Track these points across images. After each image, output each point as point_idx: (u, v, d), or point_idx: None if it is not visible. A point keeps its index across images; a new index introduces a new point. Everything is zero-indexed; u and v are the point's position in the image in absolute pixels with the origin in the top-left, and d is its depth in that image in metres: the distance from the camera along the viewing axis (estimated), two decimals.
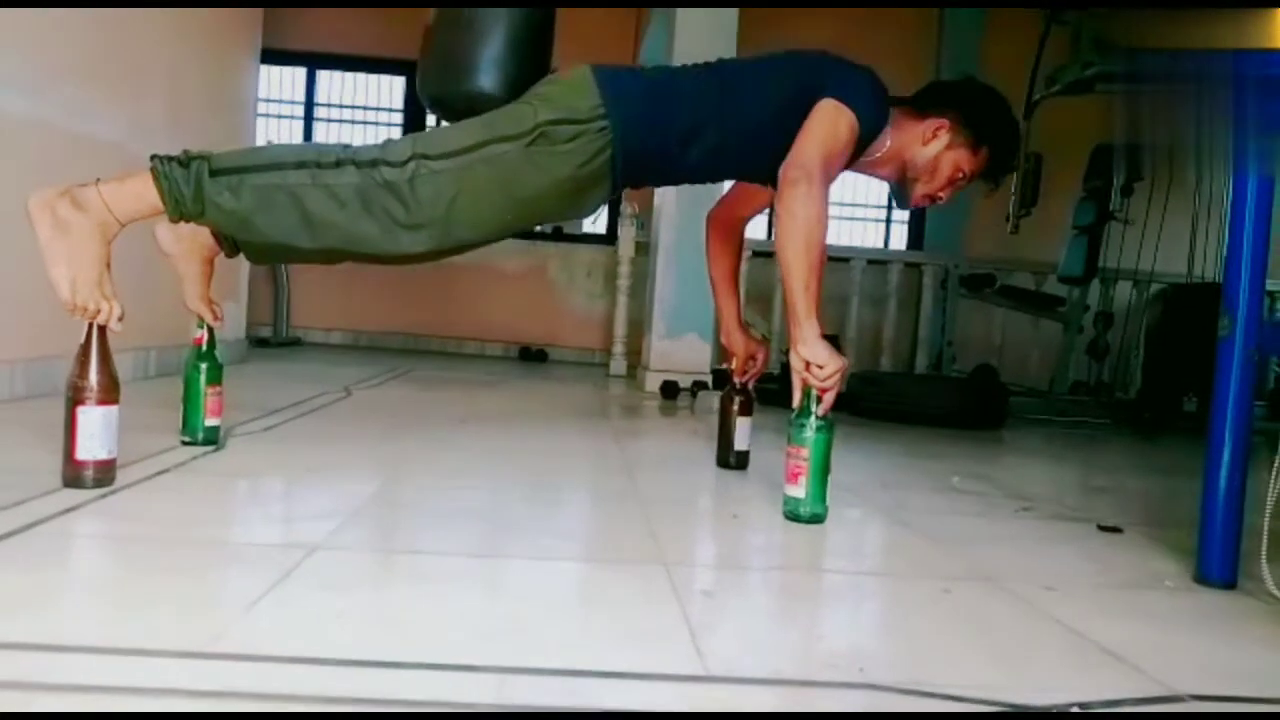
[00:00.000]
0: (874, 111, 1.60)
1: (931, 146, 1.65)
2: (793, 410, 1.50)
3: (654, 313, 3.98)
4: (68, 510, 1.24)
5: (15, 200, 1.99)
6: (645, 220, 4.65)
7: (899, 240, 6.09)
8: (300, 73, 6.02)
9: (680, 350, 3.88)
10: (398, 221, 1.46)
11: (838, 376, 1.47)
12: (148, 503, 1.34)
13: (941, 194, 1.70)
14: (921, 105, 1.68)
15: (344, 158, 1.45)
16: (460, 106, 2.29)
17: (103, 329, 1.39)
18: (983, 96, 1.69)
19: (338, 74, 6.04)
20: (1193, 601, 1.19)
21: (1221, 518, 1.25)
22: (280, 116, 6.01)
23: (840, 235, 5.93)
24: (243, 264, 3.91)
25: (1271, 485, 1.18)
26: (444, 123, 1.78)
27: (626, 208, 4.77)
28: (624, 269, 4.73)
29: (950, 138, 1.65)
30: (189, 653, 0.79)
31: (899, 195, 1.74)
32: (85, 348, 1.38)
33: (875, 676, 0.84)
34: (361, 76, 6.05)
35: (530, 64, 2.25)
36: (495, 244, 1.69)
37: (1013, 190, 4.27)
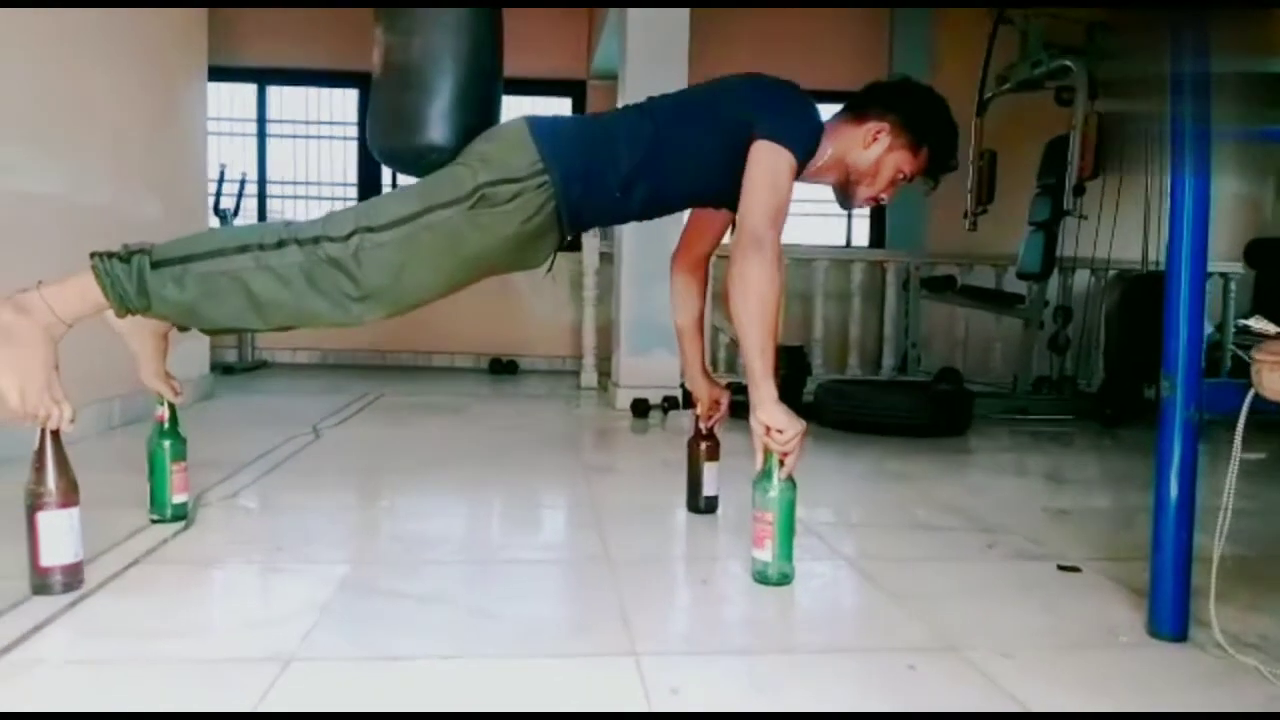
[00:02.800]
0: (808, 141, 1.62)
1: (872, 150, 1.67)
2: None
3: (621, 330, 3.99)
4: (37, 628, 1.24)
5: None
6: (608, 230, 4.65)
7: (861, 235, 6.14)
8: (250, 89, 5.92)
9: (649, 366, 3.91)
10: (347, 295, 1.46)
11: (797, 440, 1.50)
12: (118, 610, 1.33)
13: (884, 195, 1.72)
14: (859, 109, 1.69)
15: (286, 237, 1.44)
16: (411, 159, 2.28)
17: (56, 432, 1.39)
18: (920, 98, 1.70)
19: (289, 89, 5.95)
20: (1143, 661, 1.23)
21: (1171, 575, 1.29)
22: (232, 134, 5.92)
23: (803, 233, 5.96)
24: None
25: (1220, 523, 1.23)
26: (398, 175, 1.76)
27: None
28: (589, 279, 4.73)
29: (891, 140, 1.66)
30: None
31: (842, 198, 1.75)
32: (40, 453, 1.38)
33: None
34: (313, 91, 5.97)
35: (479, 113, 2.24)
36: None
37: (968, 189, 4.33)
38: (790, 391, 3.63)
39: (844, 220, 6.11)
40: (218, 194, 5.20)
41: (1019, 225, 4.41)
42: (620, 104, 4.18)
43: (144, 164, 3.25)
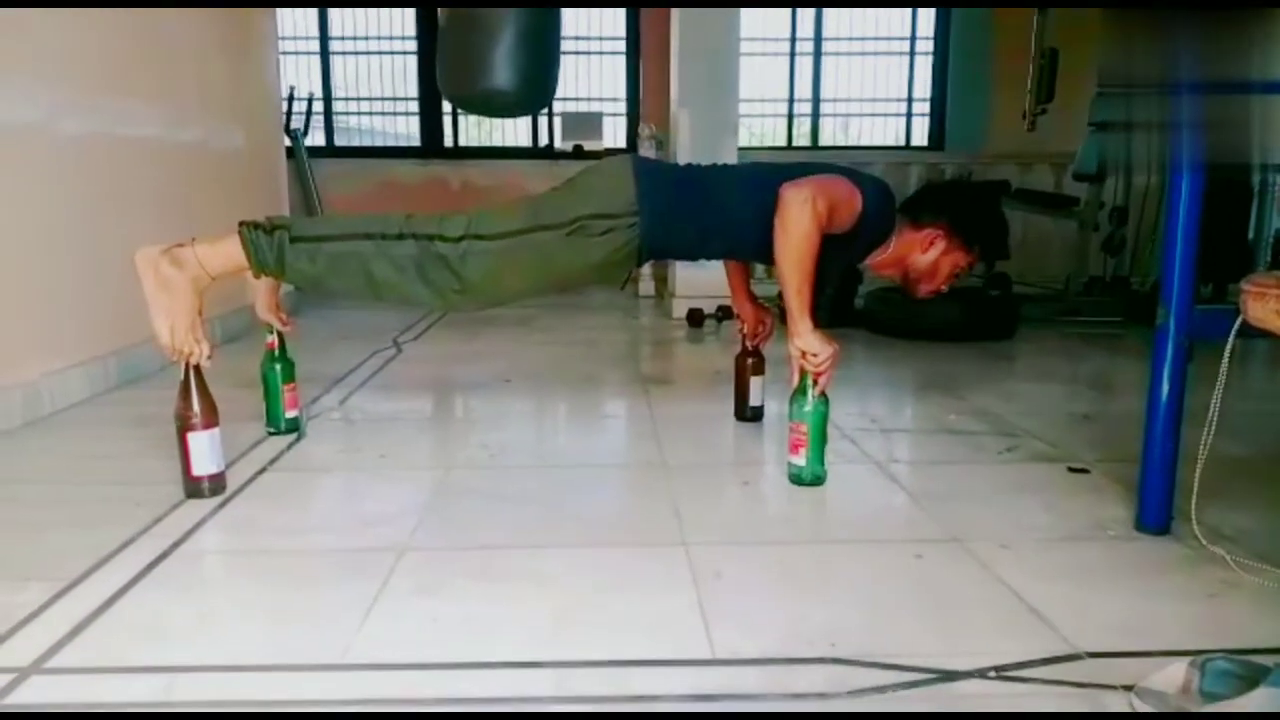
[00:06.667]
0: (878, 201, 1.80)
1: (930, 254, 1.87)
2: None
3: None
4: (197, 526, 1.53)
5: (101, 204, 2.33)
6: (664, 139, 4.75)
7: (920, 134, 6.08)
8: (311, 10, 6.05)
9: (704, 277, 4.05)
10: (449, 288, 1.71)
11: (830, 362, 1.68)
12: (257, 510, 1.62)
13: (944, 287, 1.93)
14: (915, 216, 1.88)
15: (405, 231, 1.68)
16: (478, 101, 2.48)
17: (198, 366, 1.66)
18: (968, 204, 1.90)
19: (348, 10, 6.06)
20: (1125, 552, 1.42)
21: (1158, 476, 1.46)
22: (298, 54, 6.08)
23: (859, 134, 5.94)
24: (281, 203, 4.17)
25: (1206, 430, 1.38)
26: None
27: (644, 129, 4.85)
28: None
29: (946, 244, 1.86)
30: (327, 665, 1.08)
31: (907, 289, 1.96)
32: (185, 383, 1.65)
33: (843, 650, 1.10)
34: (373, 11, 6.07)
35: (540, 57, 2.41)
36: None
37: (1028, 89, 4.29)
38: (841, 300, 3.77)
39: (902, 121, 6.05)
40: (288, 114, 5.42)
41: (1081, 121, 4.35)
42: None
43: (226, 96, 3.48)
